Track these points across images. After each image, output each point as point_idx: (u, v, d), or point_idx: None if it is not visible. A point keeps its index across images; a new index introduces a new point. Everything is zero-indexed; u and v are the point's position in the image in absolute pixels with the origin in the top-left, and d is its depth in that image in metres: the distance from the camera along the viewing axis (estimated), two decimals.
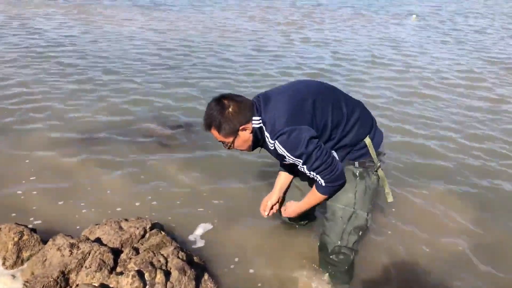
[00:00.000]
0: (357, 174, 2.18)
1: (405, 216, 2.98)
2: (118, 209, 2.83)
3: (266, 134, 2.04)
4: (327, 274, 2.30)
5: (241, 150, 2.19)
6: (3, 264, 2.17)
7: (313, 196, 2.17)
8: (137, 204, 2.92)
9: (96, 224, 2.42)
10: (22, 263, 2.19)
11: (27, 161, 3.35)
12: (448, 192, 3.33)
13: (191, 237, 2.61)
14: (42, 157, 3.42)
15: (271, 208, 2.45)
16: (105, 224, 2.39)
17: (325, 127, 2.06)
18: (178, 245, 2.29)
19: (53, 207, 2.80)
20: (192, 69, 6.29)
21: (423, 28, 11.19)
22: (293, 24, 10.68)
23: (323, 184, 2.07)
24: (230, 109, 2.00)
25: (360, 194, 2.18)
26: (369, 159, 2.18)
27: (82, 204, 2.87)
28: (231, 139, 2.07)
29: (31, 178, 3.11)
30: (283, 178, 2.47)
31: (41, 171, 3.21)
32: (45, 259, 2.12)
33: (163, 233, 2.39)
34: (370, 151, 2.16)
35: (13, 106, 4.42)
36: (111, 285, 1.94)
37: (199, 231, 2.69)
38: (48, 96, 4.77)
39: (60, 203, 2.86)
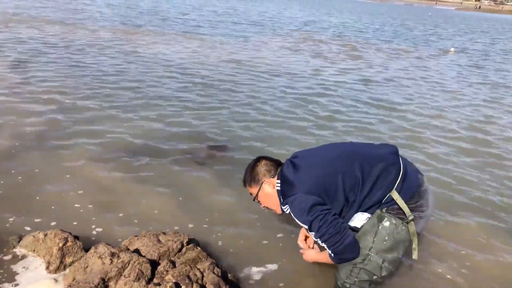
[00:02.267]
0: (382, 219, 2.13)
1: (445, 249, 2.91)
2: (156, 223, 2.90)
3: (280, 199, 2.25)
4: None
5: (271, 208, 2.37)
6: (47, 268, 2.26)
7: (328, 256, 2.17)
8: (174, 219, 2.98)
9: (136, 236, 2.49)
10: (64, 268, 2.28)
11: (69, 175, 3.47)
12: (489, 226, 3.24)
13: (225, 255, 2.64)
14: (83, 173, 3.53)
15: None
16: (144, 236, 2.46)
17: (335, 193, 2.13)
18: (213, 261, 2.33)
19: (95, 219, 2.90)
20: (232, 93, 6.44)
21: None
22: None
23: (331, 254, 2.10)
24: (259, 163, 2.34)
25: (379, 239, 2.11)
26: (399, 210, 2.13)
27: (121, 216, 2.96)
28: (255, 190, 2.33)
29: (73, 191, 3.21)
30: None
31: (83, 185, 3.31)
32: (87, 266, 2.20)
33: (199, 248, 2.43)
34: (400, 204, 2.12)
35: (56, 122, 4.62)
36: None
37: (232, 248, 2.71)
38: (90, 114, 4.95)
39: (101, 215, 2.95)
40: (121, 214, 2.98)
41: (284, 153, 4.09)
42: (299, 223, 2.15)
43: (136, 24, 13.44)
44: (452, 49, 14.26)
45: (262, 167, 2.32)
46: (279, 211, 2.33)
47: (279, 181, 2.25)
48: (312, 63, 9.37)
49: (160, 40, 10.70)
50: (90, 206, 3.04)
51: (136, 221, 2.92)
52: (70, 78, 6.42)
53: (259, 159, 2.37)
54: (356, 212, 2.17)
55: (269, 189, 2.29)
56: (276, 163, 2.36)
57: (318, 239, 2.10)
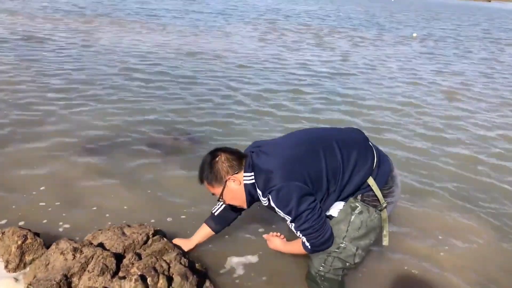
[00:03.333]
0: (355, 208, 2.13)
1: (410, 228, 2.98)
2: (120, 216, 2.84)
3: (259, 191, 2.08)
4: None
5: (236, 205, 2.22)
6: (6, 267, 2.18)
7: (298, 248, 2.16)
8: (139, 211, 2.93)
9: (99, 230, 2.43)
10: (24, 267, 2.20)
11: (31, 169, 3.36)
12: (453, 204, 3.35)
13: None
14: (45, 166, 3.43)
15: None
16: (108, 229, 2.41)
17: (319, 181, 2.03)
18: (180, 251, 2.30)
19: (56, 213, 2.81)
20: (197, 80, 6.36)
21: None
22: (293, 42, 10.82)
23: (308, 246, 2.08)
24: (218, 159, 2.09)
25: (353, 228, 2.12)
26: (374, 197, 2.13)
27: (85, 211, 2.88)
28: (219, 190, 2.12)
29: (34, 185, 3.11)
30: (204, 233, 2.46)
31: (44, 179, 3.21)
32: (48, 263, 2.13)
33: (165, 239, 2.40)
34: (375, 191, 2.11)
35: (11, 118, 4.43)
36: None
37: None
38: (50, 107, 4.78)
39: (63, 209, 2.87)
40: (85, 209, 2.90)
41: (249, 139, 4.10)
42: (282, 214, 2.03)
43: (94, 13, 13.02)
44: (415, 34, 14.57)
45: (223, 164, 2.09)
46: (245, 206, 2.23)
47: (249, 174, 2.08)
48: (278, 53, 9.36)
49: (120, 31, 10.42)
50: (52, 202, 2.94)
51: (100, 215, 2.84)
52: (23, 71, 6.15)
53: (217, 154, 2.12)
54: (336, 201, 2.14)
55: (234, 186, 2.10)
56: (238, 155, 2.13)
57: (299, 232, 2.05)
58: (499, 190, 3.67)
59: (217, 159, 2.10)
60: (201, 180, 2.17)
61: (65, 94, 5.24)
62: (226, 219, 2.46)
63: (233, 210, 2.40)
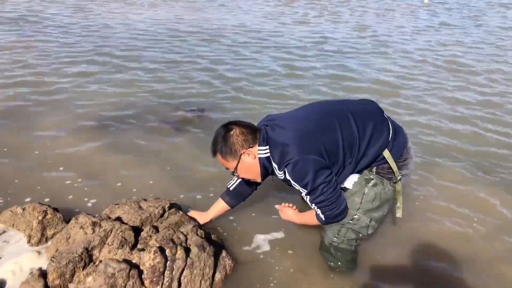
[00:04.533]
0: (370, 180, 2.13)
1: (429, 201, 2.98)
2: (136, 191, 2.90)
3: (274, 165, 2.05)
4: (328, 265, 2.29)
5: (250, 178, 2.20)
6: (28, 241, 2.25)
7: (311, 219, 2.16)
8: (154, 186, 2.98)
9: (116, 204, 2.48)
10: (46, 241, 2.27)
11: (42, 150, 3.39)
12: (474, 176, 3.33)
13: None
14: (58, 146, 3.46)
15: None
16: (125, 204, 2.45)
17: (335, 153, 2.01)
18: (196, 223, 2.35)
19: (74, 190, 2.88)
20: (205, 56, 6.31)
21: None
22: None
23: (322, 218, 2.08)
24: (233, 132, 2.04)
25: (366, 200, 2.13)
26: (389, 169, 2.12)
27: (101, 186, 2.94)
28: (234, 164, 2.08)
29: (48, 165, 3.16)
30: (219, 208, 2.48)
31: (58, 159, 3.26)
32: (69, 237, 2.19)
33: (181, 212, 2.45)
34: (390, 164, 2.10)
35: (23, 94, 4.47)
36: (133, 261, 2.00)
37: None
38: (58, 86, 4.79)
39: (80, 186, 2.93)
40: (100, 185, 2.96)
41: (260, 113, 4.10)
42: (297, 187, 2.02)
43: None
44: (426, 0, 14.17)
45: (238, 137, 2.04)
46: (259, 180, 2.21)
47: (264, 147, 2.05)
48: (284, 26, 9.20)
49: (123, 6, 10.30)
50: (68, 178, 3.00)
51: (116, 190, 2.90)
52: (30, 49, 6.15)
53: (231, 127, 2.07)
54: (352, 173, 2.14)
55: (249, 159, 2.07)
56: (252, 129, 2.08)
57: (314, 204, 2.05)
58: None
59: (231, 132, 2.05)
60: (214, 153, 2.12)
61: (73, 73, 5.24)
62: (242, 194, 2.47)
63: (248, 185, 2.40)
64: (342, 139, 2.02)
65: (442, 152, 3.70)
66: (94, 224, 2.21)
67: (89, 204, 2.74)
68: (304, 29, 8.56)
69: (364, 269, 2.33)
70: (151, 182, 3.03)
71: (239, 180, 2.39)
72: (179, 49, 6.57)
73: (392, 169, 2.11)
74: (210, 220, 2.51)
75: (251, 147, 2.06)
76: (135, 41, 6.94)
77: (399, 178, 2.14)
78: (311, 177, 1.95)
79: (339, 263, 2.26)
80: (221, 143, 2.06)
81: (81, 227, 2.19)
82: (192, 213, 2.50)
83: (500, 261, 2.45)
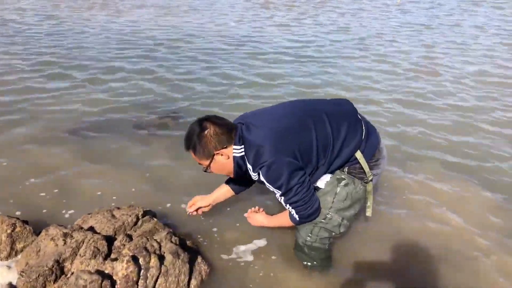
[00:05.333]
0: (341, 180, 2.15)
1: (398, 199, 3.01)
2: (109, 199, 2.85)
3: (249, 166, 2.04)
4: (303, 264, 2.31)
5: (224, 174, 2.21)
6: None
7: (284, 220, 2.18)
8: (127, 193, 2.93)
9: (89, 214, 2.44)
10: (16, 255, 2.22)
11: (13, 159, 3.32)
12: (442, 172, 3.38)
13: (182, 223, 2.64)
14: (29, 153, 3.39)
15: (197, 210, 2.48)
16: (98, 213, 2.42)
17: (309, 154, 2.02)
18: (170, 230, 2.33)
19: (44, 200, 2.81)
20: (176, 61, 6.26)
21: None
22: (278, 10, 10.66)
23: (296, 218, 2.10)
24: (207, 133, 2.00)
25: (338, 199, 2.15)
26: (360, 169, 2.14)
27: (73, 196, 2.88)
28: (207, 163, 2.07)
29: (18, 175, 3.08)
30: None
31: (28, 168, 3.18)
32: (39, 250, 2.14)
33: (155, 219, 2.42)
34: (362, 164, 2.12)
35: None
36: (106, 271, 1.97)
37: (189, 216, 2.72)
38: (27, 95, 4.65)
39: (51, 197, 2.86)
40: (72, 194, 2.90)
41: (234, 115, 4.09)
42: (272, 188, 2.02)
43: None
44: (398, 0, 14.39)
45: (212, 138, 2.00)
46: (233, 176, 2.19)
47: (239, 147, 2.03)
48: (261, 26, 9.22)
49: (96, 12, 10.16)
50: (42, 190, 2.93)
51: (89, 200, 2.85)
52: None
53: (205, 125, 2.01)
54: (324, 173, 2.15)
55: (222, 159, 2.06)
56: (227, 128, 2.04)
57: (288, 204, 2.06)
58: (491, 156, 3.68)
59: (205, 132, 2.00)
60: (187, 148, 2.09)
61: (42, 82, 5.12)
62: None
63: None
64: (316, 140, 2.02)
65: (418, 149, 3.76)
66: (65, 235, 2.17)
67: (67, 216, 2.68)
68: (279, 33, 8.58)
69: (342, 268, 2.35)
70: (128, 189, 2.98)
71: None
72: (150, 55, 6.45)
73: (363, 169, 2.13)
74: (211, 204, 2.50)
75: (225, 147, 2.03)
76: (106, 48, 6.80)
77: (370, 178, 2.16)
78: (285, 179, 1.95)
79: (314, 262, 2.28)
80: (195, 141, 2.03)
81: (52, 239, 2.15)
82: (195, 197, 2.50)
83: (476, 257, 2.48)
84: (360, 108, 2.52)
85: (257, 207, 2.41)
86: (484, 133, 4.10)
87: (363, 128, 2.14)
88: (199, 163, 2.13)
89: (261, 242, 2.51)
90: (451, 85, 5.38)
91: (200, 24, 8.90)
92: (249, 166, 2.05)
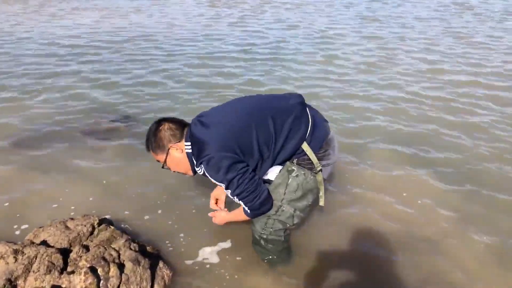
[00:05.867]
0: (292, 172, 2.20)
1: (356, 189, 3.08)
2: (62, 211, 2.73)
3: (194, 161, 2.13)
4: (262, 258, 2.36)
5: (182, 173, 2.26)
6: None
7: (240, 214, 2.22)
8: (81, 202, 2.83)
9: (40, 227, 2.33)
10: None
11: None
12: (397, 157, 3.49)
13: (141, 229, 2.58)
14: None
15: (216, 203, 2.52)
16: (50, 225, 2.31)
17: (250, 150, 2.08)
18: (129, 237, 2.27)
19: None
20: (122, 61, 6.09)
21: None
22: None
23: (248, 210, 2.14)
24: (162, 128, 2.15)
25: (290, 191, 2.19)
26: (309, 160, 2.20)
27: (23, 210, 2.74)
28: (163, 157, 2.17)
29: None
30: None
31: None
32: None
33: (112, 227, 2.35)
34: (309, 155, 2.18)
35: None
36: (63, 286, 1.89)
37: (148, 221, 2.67)
38: None
39: (3, 211, 2.71)
40: (22, 208, 2.76)
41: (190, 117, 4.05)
42: (216, 182, 2.09)
43: None
44: None
45: (166, 132, 2.14)
46: (191, 174, 2.25)
47: (188, 143, 2.13)
48: (212, 24, 9.15)
49: (40, 16, 9.70)
50: None
51: (39, 212, 2.72)
52: None
53: (161, 123, 2.17)
54: (271, 166, 2.20)
55: (177, 154, 2.15)
56: (181, 125, 2.19)
57: (235, 197, 2.10)
58: (441, 143, 3.81)
59: (160, 127, 2.15)
60: (148, 149, 2.21)
61: None
62: None
63: None
64: (257, 139, 2.10)
65: (372, 136, 3.87)
66: (15, 252, 2.06)
67: (18, 232, 2.55)
68: (228, 31, 8.55)
69: (302, 260, 2.39)
70: (78, 200, 2.87)
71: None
72: (93, 60, 6.18)
73: (312, 161, 2.19)
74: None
75: (178, 141, 2.15)
76: (49, 55, 6.43)
77: (319, 168, 2.21)
78: (224, 171, 2.02)
79: (272, 256, 2.32)
80: (151, 138, 2.17)
81: (1, 257, 2.03)
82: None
83: (436, 242, 2.57)
84: (313, 104, 2.54)
85: (221, 206, 2.45)
86: (436, 122, 4.25)
87: (309, 121, 2.21)
88: (158, 161, 2.23)
89: (225, 244, 2.51)
90: (401, 77, 5.50)
91: (145, 25, 8.70)
92: (194, 161, 2.13)
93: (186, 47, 6.90)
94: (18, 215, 2.70)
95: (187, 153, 2.15)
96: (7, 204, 2.79)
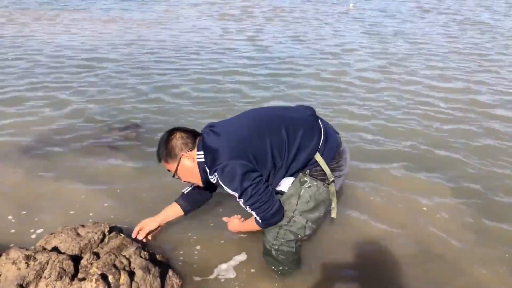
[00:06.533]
0: (304, 182, 2.20)
1: (366, 204, 3.06)
2: (73, 217, 2.76)
3: (207, 170, 2.12)
4: (272, 269, 2.34)
5: (191, 182, 2.27)
6: None
7: (252, 224, 2.23)
8: (91, 210, 2.85)
9: (52, 234, 2.35)
10: None
11: None
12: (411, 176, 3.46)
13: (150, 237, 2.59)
14: None
15: (147, 235, 2.39)
16: (61, 232, 2.33)
17: (263, 161, 2.09)
18: (139, 245, 2.28)
19: (2, 222, 2.69)
20: (134, 72, 6.14)
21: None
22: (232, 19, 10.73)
23: (259, 221, 2.14)
24: (173, 137, 2.15)
25: (302, 202, 2.19)
26: (321, 171, 2.20)
27: (34, 216, 2.76)
28: (174, 166, 2.16)
29: None
30: (173, 211, 2.45)
31: None
32: (0, 274, 2.04)
33: (122, 235, 2.37)
34: (322, 166, 2.18)
35: None
36: None
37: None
38: None
39: (9, 217, 2.74)
40: (33, 215, 2.78)
41: (199, 127, 4.07)
42: (229, 191, 2.08)
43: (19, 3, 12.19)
44: (351, 5, 14.79)
45: (177, 141, 2.14)
46: (201, 184, 2.25)
47: (200, 152, 2.13)
48: (223, 34, 9.24)
49: (47, 26, 9.85)
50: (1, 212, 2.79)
51: (50, 218, 2.74)
52: None
53: (173, 132, 2.18)
54: (283, 177, 2.20)
55: (188, 163, 2.14)
56: (193, 134, 2.19)
57: (248, 207, 2.10)
58: (453, 152, 3.82)
59: (172, 136, 2.16)
60: (159, 158, 2.21)
61: None
62: (196, 200, 2.48)
63: (203, 190, 2.44)
64: (271, 148, 2.11)
65: (376, 154, 3.84)
66: (27, 257, 2.07)
67: (32, 236, 2.58)
68: (235, 45, 8.63)
69: (312, 271, 2.39)
70: (89, 207, 2.89)
71: (193, 186, 2.43)
72: (108, 70, 6.23)
73: (324, 171, 2.19)
74: (161, 226, 2.44)
75: (190, 150, 2.15)
76: (60, 63, 6.49)
77: (331, 179, 2.22)
78: (239, 179, 2.02)
79: (283, 266, 2.31)
80: (162, 147, 2.16)
81: (13, 263, 2.05)
82: (143, 221, 2.42)
83: (436, 260, 2.55)
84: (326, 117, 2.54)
85: (238, 215, 2.44)
86: (446, 131, 4.26)
87: (322, 132, 2.22)
88: (168, 170, 2.22)
89: (237, 255, 2.50)
90: (411, 97, 5.38)
91: (158, 38, 8.79)
92: (207, 170, 2.12)
93: (196, 61, 6.88)
94: (36, 219, 2.74)
95: (198, 162, 2.14)
96: (22, 209, 2.82)
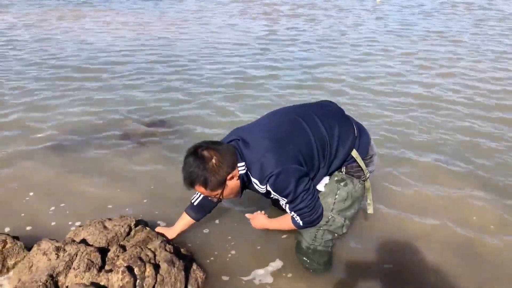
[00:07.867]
0: (341, 181, 2.16)
1: (397, 201, 3.01)
2: (102, 212, 2.82)
3: (254, 180, 2.00)
4: (305, 267, 2.30)
5: (231, 198, 2.12)
6: None
7: (286, 223, 2.15)
8: (118, 204, 2.91)
9: (80, 226, 2.42)
10: (8, 271, 2.18)
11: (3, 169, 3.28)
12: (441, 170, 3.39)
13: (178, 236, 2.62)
14: (15, 172, 3.32)
15: None
16: (89, 225, 2.39)
17: (312, 156, 2.02)
18: (164, 238, 2.32)
19: (35, 215, 2.78)
20: (161, 70, 6.23)
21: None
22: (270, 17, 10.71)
23: (300, 223, 2.10)
24: (214, 161, 1.89)
25: (339, 200, 2.16)
26: (357, 168, 2.16)
27: (64, 210, 2.84)
28: (219, 192, 1.98)
29: (6, 191, 3.03)
30: (186, 221, 2.42)
31: (17, 184, 3.13)
32: (31, 265, 2.11)
33: (148, 228, 2.41)
34: (359, 163, 2.14)
35: None
36: (101, 283, 1.96)
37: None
38: (10, 109, 4.55)
39: (42, 212, 2.82)
40: (64, 209, 2.86)
41: (225, 121, 4.10)
42: (278, 197, 2.01)
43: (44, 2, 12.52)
44: (379, 0, 14.53)
45: (221, 165, 1.89)
46: (239, 197, 2.13)
47: (241, 164, 1.97)
48: (245, 34, 9.26)
49: (77, 24, 10.08)
50: (29, 205, 2.89)
51: (81, 213, 2.81)
52: None
53: (204, 154, 1.88)
54: (325, 176, 2.17)
55: (233, 182, 1.99)
56: (227, 152, 1.95)
57: (294, 211, 2.05)
58: (484, 152, 3.73)
59: (211, 162, 1.89)
60: (192, 185, 1.95)
61: (26, 95, 5.02)
62: (206, 207, 2.41)
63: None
64: (315, 141, 2.03)
65: (410, 148, 3.77)
66: (57, 249, 2.14)
67: (53, 229, 2.64)
68: (258, 43, 8.63)
69: (345, 270, 2.35)
70: (114, 199, 2.96)
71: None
72: (135, 66, 6.34)
73: (360, 167, 2.16)
74: (178, 235, 2.46)
75: (234, 168, 1.97)
76: (90, 60, 6.66)
77: (368, 175, 2.19)
78: (293, 187, 1.95)
79: (317, 265, 2.27)
80: (202, 175, 1.89)
81: (44, 254, 2.13)
82: (158, 229, 2.46)
83: (476, 255, 2.48)
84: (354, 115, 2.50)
85: (262, 211, 2.36)
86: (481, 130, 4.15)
87: (354, 126, 2.17)
88: (209, 196, 2.04)
89: (260, 248, 2.51)
90: (444, 94, 5.28)
91: (183, 36, 8.88)
92: (255, 181, 2.01)
93: (229, 59, 6.96)
94: (45, 215, 2.79)
95: (240, 175, 1.99)
96: (49, 204, 2.90)
